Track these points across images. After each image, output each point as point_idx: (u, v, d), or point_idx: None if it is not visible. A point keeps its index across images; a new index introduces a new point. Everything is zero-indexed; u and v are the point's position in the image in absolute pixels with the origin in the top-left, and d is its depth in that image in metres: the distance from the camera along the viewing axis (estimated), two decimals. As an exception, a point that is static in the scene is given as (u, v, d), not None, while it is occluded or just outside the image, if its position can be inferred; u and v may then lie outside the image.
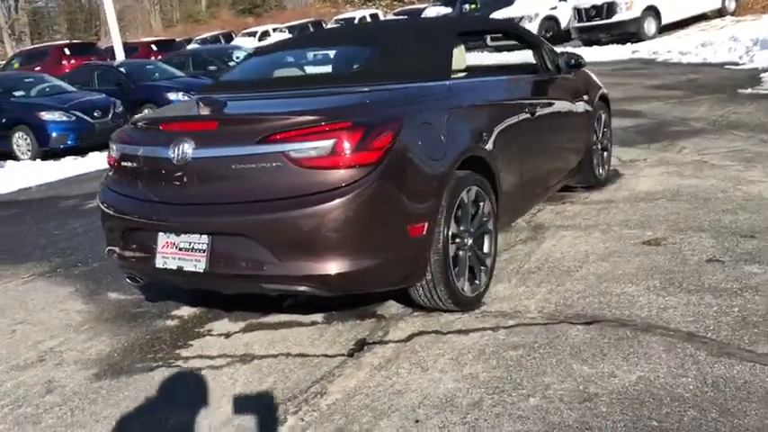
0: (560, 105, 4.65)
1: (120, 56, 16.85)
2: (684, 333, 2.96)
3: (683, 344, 2.86)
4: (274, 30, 29.27)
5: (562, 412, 2.46)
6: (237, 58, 15.93)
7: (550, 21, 18.96)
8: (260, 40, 29.71)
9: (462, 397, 2.63)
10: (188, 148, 2.97)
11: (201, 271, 2.97)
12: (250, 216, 2.86)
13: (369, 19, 27.22)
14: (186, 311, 3.78)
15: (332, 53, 3.89)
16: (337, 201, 2.78)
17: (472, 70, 4.60)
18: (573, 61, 4.76)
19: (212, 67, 15.06)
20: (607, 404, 2.47)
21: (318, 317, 3.51)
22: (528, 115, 4.05)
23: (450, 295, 3.24)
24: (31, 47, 24.39)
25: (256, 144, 2.86)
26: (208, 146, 2.95)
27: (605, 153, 5.62)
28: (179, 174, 3.00)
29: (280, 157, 2.82)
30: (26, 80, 12.44)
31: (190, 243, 2.98)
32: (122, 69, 13.67)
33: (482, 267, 3.53)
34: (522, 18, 20.12)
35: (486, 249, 3.58)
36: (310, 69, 3.73)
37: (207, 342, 3.38)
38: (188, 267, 3.00)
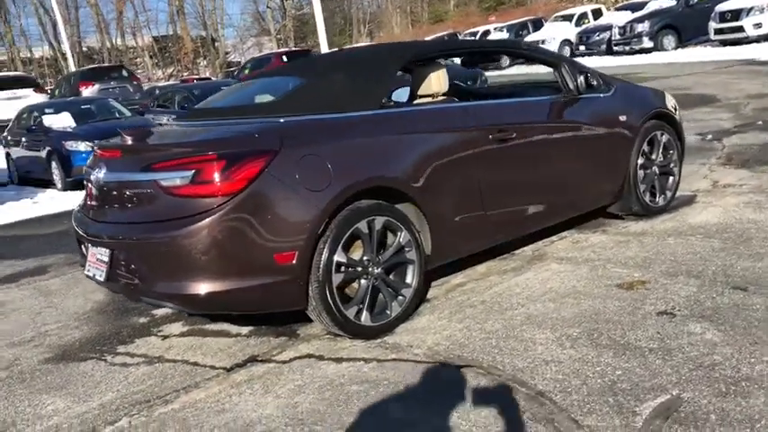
0: (566, 129, 4.34)
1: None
2: (535, 391, 2.74)
3: (521, 402, 2.66)
4: (495, 29, 29.28)
5: (326, 454, 2.48)
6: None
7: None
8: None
9: (263, 424, 2.73)
10: (100, 173, 3.41)
11: (102, 280, 3.40)
12: (130, 235, 3.21)
13: (590, 16, 26.03)
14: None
15: (274, 84, 4.06)
16: (195, 226, 3.02)
17: (462, 95, 4.47)
18: (590, 81, 4.39)
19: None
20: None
21: (246, 329, 3.76)
22: (497, 144, 3.89)
23: (336, 323, 3.30)
24: (261, 54, 27.08)
25: (139, 172, 3.20)
26: (112, 171, 3.36)
27: (670, 178, 5.07)
28: (97, 194, 3.46)
29: (153, 185, 3.13)
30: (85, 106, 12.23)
31: (100, 255, 3.42)
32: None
33: (399, 297, 3.52)
34: (751, 9, 18.05)
35: (408, 280, 3.55)
36: (257, 99, 3.94)
37: (146, 342, 3.80)
38: (97, 276, 3.45)
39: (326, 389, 2.96)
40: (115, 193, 3.33)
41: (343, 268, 3.31)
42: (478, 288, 3.97)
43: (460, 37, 31.61)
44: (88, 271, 3.54)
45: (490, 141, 3.86)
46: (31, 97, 15.70)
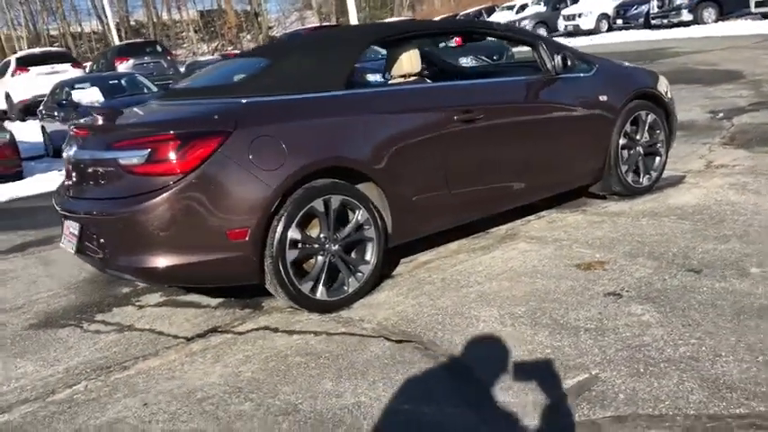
0: (539, 109, 4.36)
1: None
2: (463, 366, 2.84)
3: (446, 377, 2.77)
4: (532, 2, 28.75)
5: (253, 420, 2.62)
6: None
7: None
8: (517, 13, 29.44)
9: (204, 391, 2.89)
10: (72, 150, 3.60)
11: (73, 251, 3.60)
12: (95, 211, 3.39)
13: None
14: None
15: (249, 65, 4.14)
16: (150, 203, 3.17)
17: (436, 75, 4.50)
18: (567, 61, 4.38)
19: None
20: (304, 419, 2.58)
21: (216, 301, 3.93)
22: (463, 125, 3.94)
23: (291, 297, 3.44)
24: (291, 31, 27.06)
25: (103, 150, 3.37)
26: (81, 149, 3.53)
27: (656, 158, 5.05)
28: (70, 171, 3.65)
29: (114, 163, 3.29)
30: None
31: (72, 229, 3.61)
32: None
33: (357, 273, 3.64)
34: None
35: (367, 257, 3.67)
36: (233, 79, 4.02)
37: (123, 311, 4.01)
38: (68, 248, 3.65)
39: (272, 360, 3.11)
40: (84, 170, 3.51)
41: (299, 245, 3.43)
42: (443, 266, 4.06)
43: (497, 10, 31.21)
44: (63, 243, 3.74)
45: (455, 122, 3.92)
46: (68, 72, 16.15)
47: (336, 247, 3.54)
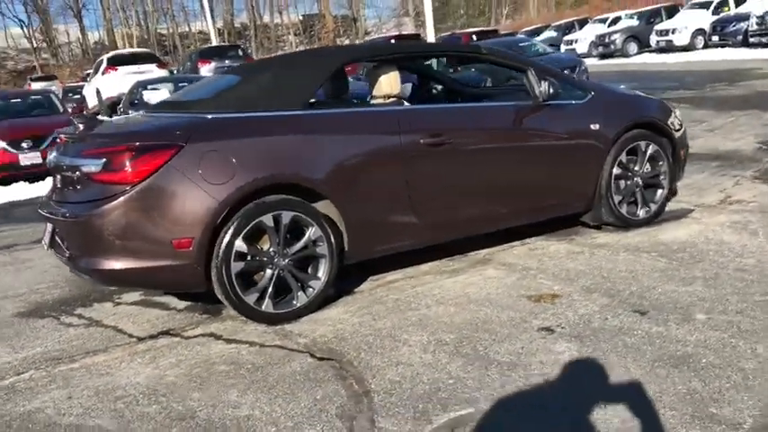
0: (517, 136, 4.34)
1: (432, 45, 18.27)
2: (364, 390, 2.90)
3: (344, 399, 2.83)
4: (626, 15, 27.90)
5: (150, 422, 2.78)
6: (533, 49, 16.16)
7: None
8: (609, 26, 28.69)
9: (124, 390, 3.07)
10: (52, 156, 3.88)
11: (46, 248, 3.88)
12: (62, 213, 3.64)
13: (732, 3, 24.12)
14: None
15: (227, 81, 4.30)
16: (102, 209, 3.39)
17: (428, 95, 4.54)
18: (552, 89, 4.32)
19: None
20: (194, 426, 2.71)
21: (183, 304, 4.13)
22: (429, 148, 3.97)
23: (235, 307, 3.59)
24: (373, 38, 27.25)
25: (73, 157, 3.63)
26: (60, 155, 3.80)
27: (658, 191, 4.90)
28: (52, 175, 3.94)
29: (79, 169, 3.54)
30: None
31: (49, 228, 3.90)
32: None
33: (308, 288, 3.74)
34: None
35: (319, 273, 3.76)
36: (208, 94, 4.19)
37: (102, 307, 4.27)
38: (45, 246, 3.94)
39: (198, 366, 3.26)
40: (60, 175, 3.78)
41: (246, 257, 3.57)
42: (405, 286, 4.10)
43: (590, 22, 30.49)
44: (43, 241, 4.04)
45: (420, 145, 3.96)
46: (153, 72, 17.05)
47: (286, 261, 3.66)
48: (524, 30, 37.39)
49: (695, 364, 2.83)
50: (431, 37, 18.51)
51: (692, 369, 2.80)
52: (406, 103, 4.32)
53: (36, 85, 33.44)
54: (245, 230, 3.53)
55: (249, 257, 3.58)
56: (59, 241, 3.74)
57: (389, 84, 4.24)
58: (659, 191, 4.92)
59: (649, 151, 4.79)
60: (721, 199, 5.38)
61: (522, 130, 4.37)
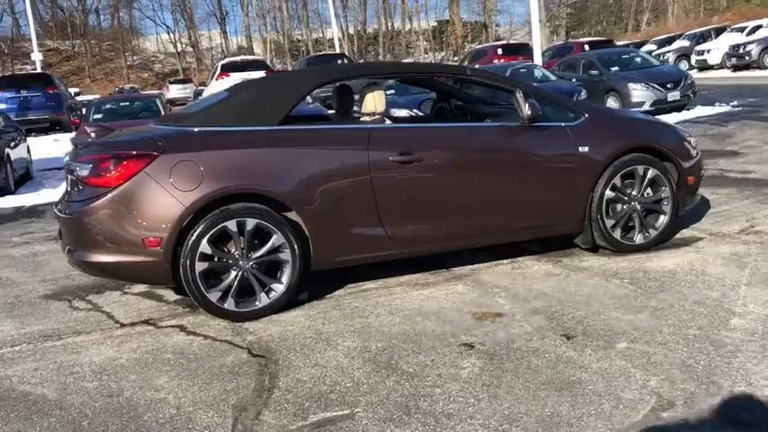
0: (494, 156, 4.43)
1: (537, 57, 18.09)
2: (271, 386, 3.17)
3: (251, 394, 3.12)
4: (766, 25, 26.08)
5: (84, 395, 3.19)
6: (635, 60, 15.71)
7: None
8: (747, 35, 27.04)
9: (80, 367, 3.51)
10: (66, 159, 4.43)
11: (56, 243, 4.43)
12: (62, 211, 4.17)
13: None
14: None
15: (217, 98, 4.66)
16: (86, 207, 3.87)
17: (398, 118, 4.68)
18: (536, 111, 4.39)
19: (594, 71, 15.12)
20: (117, 403, 3.10)
21: (175, 298, 4.55)
22: (399, 165, 4.17)
23: (199, 303, 3.96)
24: (480, 46, 27.09)
25: (74, 162, 4.14)
26: (72, 159, 4.33)
27: (661, 216, 4.81)
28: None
29: (76, 173, 4.05)
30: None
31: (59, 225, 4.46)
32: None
33: (271, 292, 4.06)
34: None
35: (283, 278, 4.07)
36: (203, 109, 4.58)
37: (110, 295, 4.75)
38: (56, 241, 4.49)
39: (150, 353, 3.66)
40: (69, 176, 4.33)
41: (213, 258, 3.94)
42: (372, 295, 4.32)
43: (727, 31, 28.89)
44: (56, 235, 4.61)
45: (390, 163, 4.16)
46: (263, 78, 18.14)
47: (249, 264, 3.99)
48: (656, 38, 35.95)
49: (579, 390, 2.88)
50: (537, 47, 18.29)
51: (573, 394, 2.85)
52: (387, 122, 4.53)
53: (174, 87, 36.23)
54: (210, 234, 3.89)
55: (215, 259, 3.94)
56: (64, 236, 4.28)
57: (374, 102, 4.48)
58: (662, 217, 4.82)
59: (649, 175, 4.71)
60: (742, 228, 5.16)
61: (501, 150, 4.46)
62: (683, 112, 13.86)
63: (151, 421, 2.90)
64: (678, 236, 5.10)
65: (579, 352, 3.25)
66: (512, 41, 26.64)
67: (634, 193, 4.72)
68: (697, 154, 5.10)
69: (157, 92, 24.34)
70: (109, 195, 3.85)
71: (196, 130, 4.13)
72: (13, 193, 10.38)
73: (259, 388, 3.15)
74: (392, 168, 4.19)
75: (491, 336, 3.53)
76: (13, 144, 11.00)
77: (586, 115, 4.67)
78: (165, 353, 3.64)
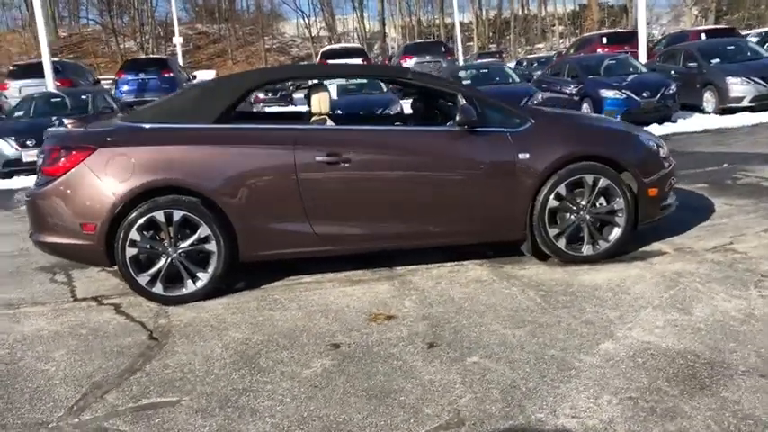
0: (425, 159, 4.46)
1: (642, 47, 17.14)
2: (135, 362, 3.48)
3: (117, 364, 3.45)
4: None
5: (-11, 362, 3.65)
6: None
7: None
8: None
9: (14, 334, 3.99)
10: (38, 150, 4.95)
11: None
12: (26, 195, 4.68)
13: None
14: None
15: (175, 95, 4.93)
16: (40, 191, 4.35)
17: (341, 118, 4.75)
18: (469, 116, 4.37)
19: (692, 63, 14.19)
20: (15, 368, 3.54)
21: (136, 278, 4.98)
22: (325, 165, 4.33)
23: (131, 286, 4.34)
24: (600, 32, 25.71)
25: (40, 151, 4.64)
26: (39, 150, 4.84)
27: (614, 228, 4.65)
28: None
29: (39, 161, 4.54)
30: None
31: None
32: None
33: (198, 280, 4.37)
34: None
35: (209, 268, 4.36)
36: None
37: (89, 271, 5.27)
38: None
39: (71, 327, 4.08)
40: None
41: (144, 245, 4.30)
42: (299, 289, 4.52)
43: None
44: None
45: (316, 163, 4.33)
46: (360, 66, 18.52)
47: (177, 253, 4.31)
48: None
49: (390, 400, 2.94)
50: (642, 37, 17.34)
51: (382, 403, 2.92)
52: (330, 122, 4.68)
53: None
54: (139, 223, 4.24)
55: (146, 246, 4.29)
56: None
57: (319, 103, 4.64)
58: (615, 229, 4.65)
59: (600, 185, 4.56)
60: (717, 245, 4.86)
61: (435, 154, 4.48)
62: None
63: (18, 390, 3.28)
64: (644, 248, 4.89)
65: (427, 362, 3.29)
66: (619, 30, 25.30)
67: (583, 202, 4.58)
68: (669, 165, 4.85)
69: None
70: (55, 183, 4.29)
71: (146, 126, 4.48)
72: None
73: (128, 369, 3.45)
74: (319, 169, 4.34)
75: (364, 338, 3.63)
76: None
77: (532, 121, 4.57)
78: (82, 328, 4.04)
